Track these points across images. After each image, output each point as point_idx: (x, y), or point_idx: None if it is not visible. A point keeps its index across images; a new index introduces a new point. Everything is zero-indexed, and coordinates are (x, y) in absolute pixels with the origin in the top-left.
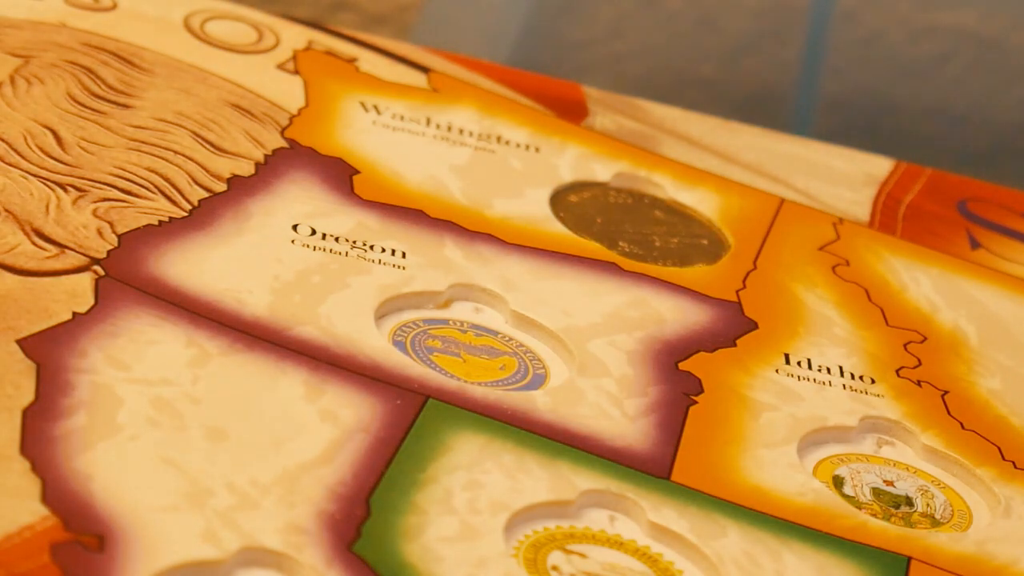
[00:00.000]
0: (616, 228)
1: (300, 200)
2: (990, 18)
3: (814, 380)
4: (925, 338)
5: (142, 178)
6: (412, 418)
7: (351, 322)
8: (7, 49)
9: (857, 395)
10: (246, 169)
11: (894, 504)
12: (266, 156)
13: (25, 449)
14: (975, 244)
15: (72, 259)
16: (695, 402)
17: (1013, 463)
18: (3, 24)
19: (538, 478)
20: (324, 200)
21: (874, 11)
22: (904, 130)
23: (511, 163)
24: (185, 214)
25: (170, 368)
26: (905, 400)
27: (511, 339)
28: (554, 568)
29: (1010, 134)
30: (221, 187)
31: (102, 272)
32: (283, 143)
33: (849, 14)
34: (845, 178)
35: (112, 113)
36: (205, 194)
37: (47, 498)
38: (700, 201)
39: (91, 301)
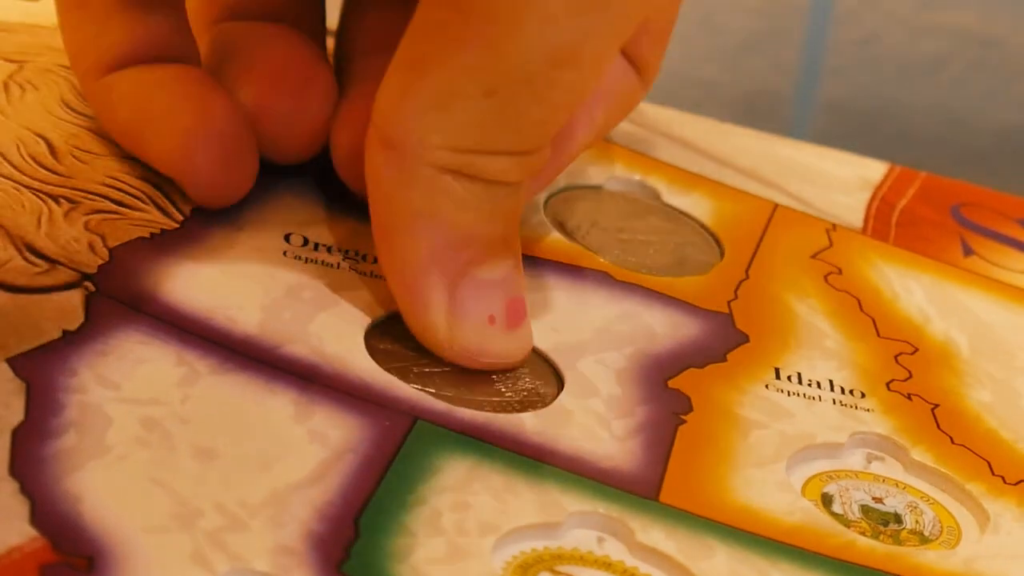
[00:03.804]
0: (609, 235)
1: (293, 207)
2: (990, 18)
3: (804, 395)
4: (916, 349)
5: (135, 188)
6: (401, 439)
7: (341, 341)
8: (1, 54)
9: (847, 410)
10: None
11: (883, 521)
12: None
13: (14, 469)
14: (968, 251)
15: (63, 274)
16: (684, 421)
17: (1002, 478)
18: None
19: (526, 499)
20: (318, 207)
21: (874, 11)
22: (904, 130)
23: None
24: (177, 225)
25: (160, 387)
26: (895, 414)
27: None
28: None
29: (1010, 134)
30: None
31: (93, 288)
32: None
33: (849, 14)
34: (839, 182)
35: None
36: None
37: (36, 519)
38: (694, 206)
39: (81, 318)
